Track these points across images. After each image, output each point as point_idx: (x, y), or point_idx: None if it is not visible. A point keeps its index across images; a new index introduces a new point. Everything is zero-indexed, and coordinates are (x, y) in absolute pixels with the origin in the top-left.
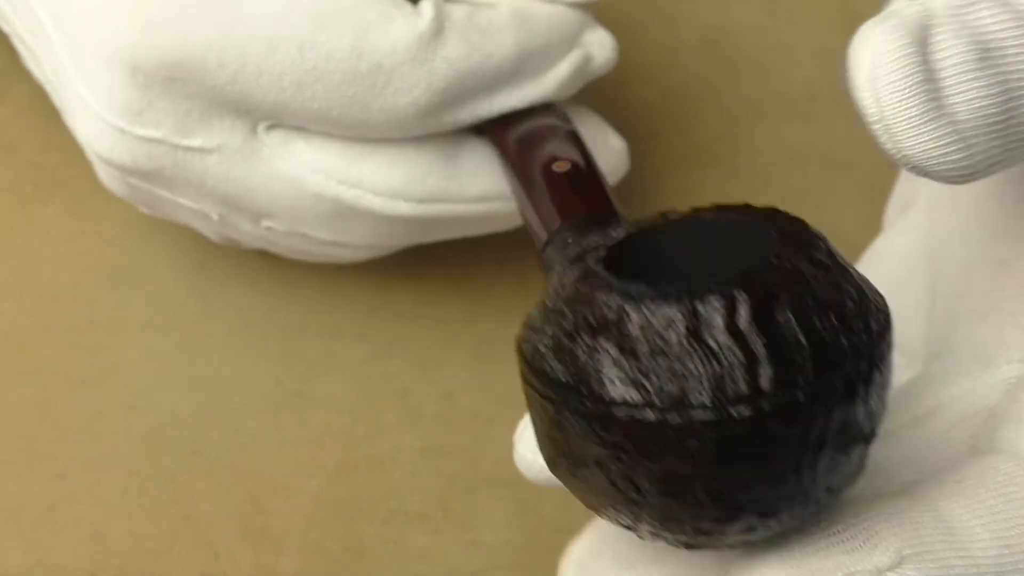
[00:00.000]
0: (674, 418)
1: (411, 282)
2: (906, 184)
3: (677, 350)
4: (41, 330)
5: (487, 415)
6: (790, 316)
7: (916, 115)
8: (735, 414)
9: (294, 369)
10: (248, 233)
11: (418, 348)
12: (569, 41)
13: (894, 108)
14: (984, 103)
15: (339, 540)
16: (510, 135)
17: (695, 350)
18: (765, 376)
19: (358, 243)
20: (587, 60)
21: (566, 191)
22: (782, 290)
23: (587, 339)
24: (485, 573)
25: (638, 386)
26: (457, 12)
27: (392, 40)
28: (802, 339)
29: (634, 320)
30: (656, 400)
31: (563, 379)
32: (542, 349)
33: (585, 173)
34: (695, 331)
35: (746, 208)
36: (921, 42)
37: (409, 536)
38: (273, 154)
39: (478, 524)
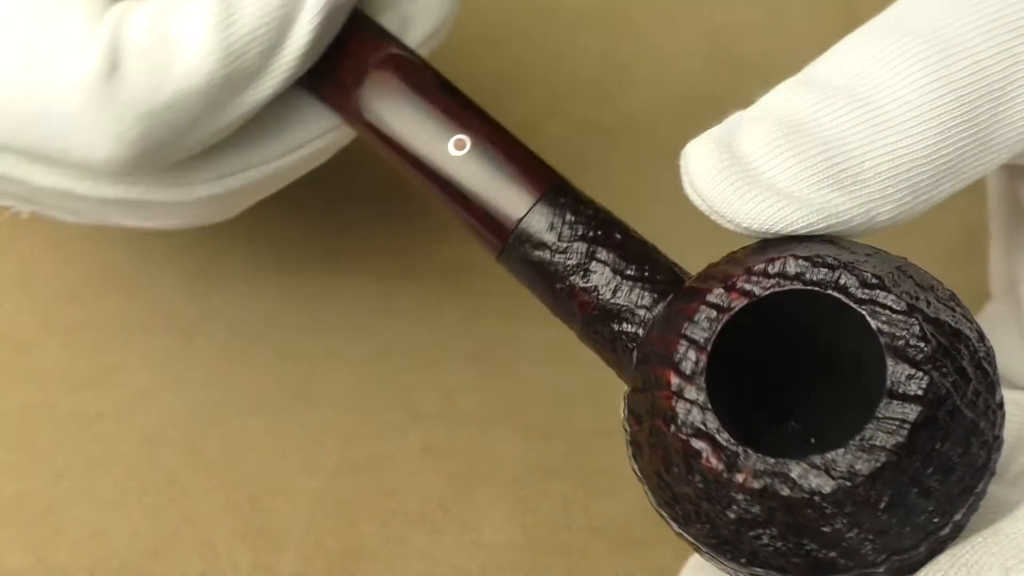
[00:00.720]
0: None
1: (411, 282)
2: (998, 250)
3: (853, 531)
4: (41, 330)
5: (487, 415)
6: (936, 467)
7: (731, 194)
8: (908, 557)
9: (294, 369)
10: (81, 218)
11: (418, 348)
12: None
13: (713, 196)
14: (804, 166)
15: (339, 540)
16: (352, 101)
17: (867, 518)
18: (939, 520)
19: (189, 222)
20: None
21: (488, 183)
22: (923, 430)
23: (758, 533)
24: (485, 573)
25: (822, 564)
26: (136, 28)
27: (59, 81)
28: (956, 472)
29: (803, 511)
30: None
31: (747, 563)
32: (703, 533)
33: (490, 141)
34: (861, 513)
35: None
36: (726, 139)
37: (409, 536)
38: (23, 178)
39: (478, 524)
